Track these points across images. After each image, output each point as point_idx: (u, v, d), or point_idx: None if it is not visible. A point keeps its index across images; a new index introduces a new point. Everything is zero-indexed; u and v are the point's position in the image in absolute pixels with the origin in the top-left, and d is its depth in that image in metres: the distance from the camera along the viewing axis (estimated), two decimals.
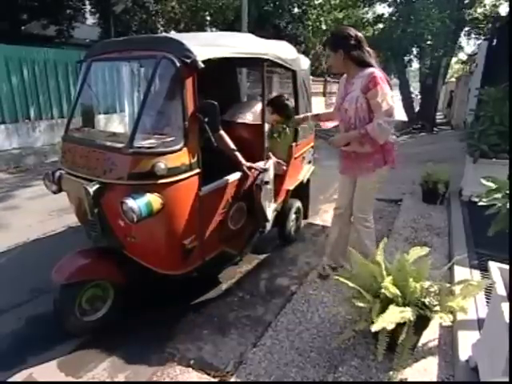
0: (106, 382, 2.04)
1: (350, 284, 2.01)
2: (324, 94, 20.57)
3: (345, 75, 2.64)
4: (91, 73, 2.56)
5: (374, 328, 1.74)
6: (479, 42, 12.12)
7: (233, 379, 1.97)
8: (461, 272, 2.66)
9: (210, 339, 2.32)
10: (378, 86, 2.33)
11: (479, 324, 2.09)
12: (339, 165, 2.81)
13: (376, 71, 2.38)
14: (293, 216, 3.58)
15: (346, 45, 2.41)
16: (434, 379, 1.89)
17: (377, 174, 2.57)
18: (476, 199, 1.79)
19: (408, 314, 1.78)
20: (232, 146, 2.51)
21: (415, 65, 15.15)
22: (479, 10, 13.86)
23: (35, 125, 7.40)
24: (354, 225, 2.77)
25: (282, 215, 3.40)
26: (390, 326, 1.74)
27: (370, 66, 2.43)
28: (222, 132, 2.41)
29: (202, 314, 2.57)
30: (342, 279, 2.05)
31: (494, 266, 1.82)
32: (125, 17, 13.93)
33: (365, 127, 2.39)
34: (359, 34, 2.45)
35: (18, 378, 2.05)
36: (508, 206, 1.71)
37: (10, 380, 2.03)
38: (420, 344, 2.05)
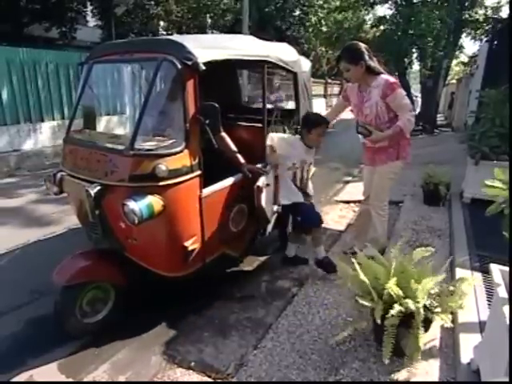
0: (107, 382, 2.04)
1: (362, 276, 1.98)
2: (325, 95, 20.61)
3: (353, 84, 2.90)
4: (92, 75, 2.57)
5: (392, 312, 1.75)
6: (480, 43, 12.15)
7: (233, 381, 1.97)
8: (462, 274, 2.65)
9: (211, 341, 2.32)
10: (396, 90, 2.68)
11: (481, 326, 2.08)
12: (363, 158, 3.19)
13: (389, 78, 2.73)
14: None
15: (363, 57, 2.70)
16: None
17: (389, 166, 2.91)
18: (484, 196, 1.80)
19: (420, 304, 1.80)
20: (233, 147, 2.51)
21: (416, 66, 15.22)
22: (480, 12, 13.88)
23: (36, 126, 7.41)
24: (371, 211, 3.07)
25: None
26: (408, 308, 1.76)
27: (381, 73, 2.75)
28: (223, 134, 2.42)
29: (203, 315, 2.57)
30: (359, 269, 2.02)
31: (495, 268, 1.81)
32: (126, 19, 14.01)
33: (398, 125, 2.69)
34: (366, 46, 2.77)
35: (18, 379, 2.05)
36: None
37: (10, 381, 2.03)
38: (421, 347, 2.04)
